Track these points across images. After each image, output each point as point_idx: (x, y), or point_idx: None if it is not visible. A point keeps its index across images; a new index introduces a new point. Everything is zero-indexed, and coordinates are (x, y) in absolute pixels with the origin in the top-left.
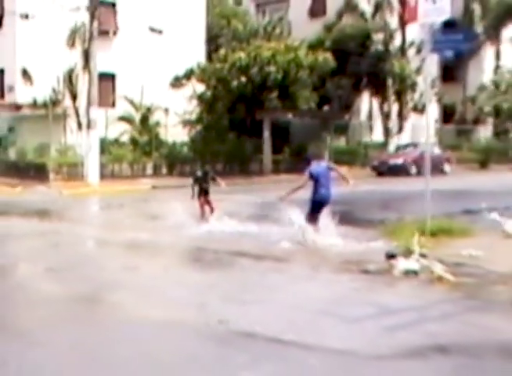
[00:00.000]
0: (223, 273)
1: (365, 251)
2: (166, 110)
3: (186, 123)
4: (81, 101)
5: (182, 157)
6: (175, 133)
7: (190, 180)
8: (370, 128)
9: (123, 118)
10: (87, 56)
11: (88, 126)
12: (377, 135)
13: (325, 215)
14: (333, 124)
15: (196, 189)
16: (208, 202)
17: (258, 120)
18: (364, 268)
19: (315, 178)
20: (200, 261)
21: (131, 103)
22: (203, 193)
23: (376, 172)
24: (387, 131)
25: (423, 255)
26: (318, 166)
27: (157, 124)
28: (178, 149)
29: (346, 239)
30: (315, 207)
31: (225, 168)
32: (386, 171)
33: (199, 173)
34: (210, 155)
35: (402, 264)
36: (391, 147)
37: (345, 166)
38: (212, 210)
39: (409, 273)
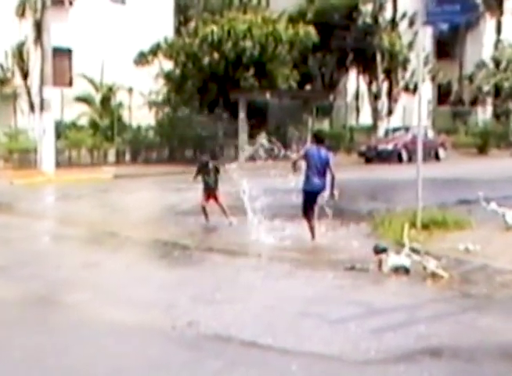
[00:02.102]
0: (193, 270)
1: (350, 245)
2: (130, 90)
3: (152, 104)
4: (34, 79)
5: (148, 143)
6: (140, 116)
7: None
8: (357, 110)
9: (81, 99)
10: (39, 28)
11: (42, 107)
12: (365, 118)
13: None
14: (315, 105)
15: (202, 181)
16: (215, 198)
17: (233, 101)
18: (349, 264)
19: (307, 162)
20: (167, 257)
21: (91, 81)
22: (206, 187)
23: (363, 159)
24: (375, 114)
25: (414, 250)
26: (316, 150)
27: (120, 105)
28: (144, 133)
29: (330, 232)
30: (307, 199)
31: (196, 154)
32: (374, 157)
33: (200, 163)
34: (179, 140)
35: (391, 259)
36: (380, 131)
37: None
38: (223, 210)
39: (399, 270)
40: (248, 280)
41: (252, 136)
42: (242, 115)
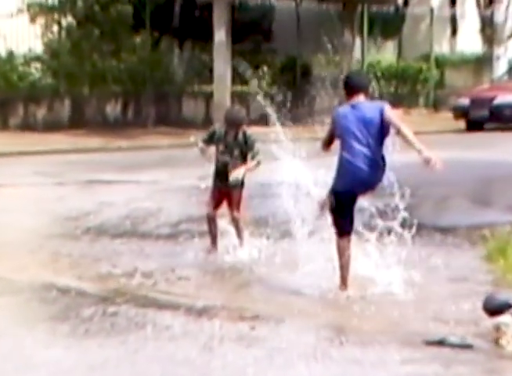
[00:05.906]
0: (121, 347)
1: (437, 295)
2: None
3: (38, 11)
4: None
5: (29, 88)
6: (14, 34)
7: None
8: (452, 25)
9: None
10: None
11: None
12: (467, 41)
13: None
14: (366, 13)
15: (212, 166)
16: (230, 200)
17: (201, 3)
18: (437, 336)
19: (337, 135)
20: (68, 319)
21: None
22: (221, 177)
23: (464, 121)
24: (489, 32)
25: None
26: (351, 110)
27: None
28: (22, 69)
29: (397, 268)
30: (339, 203)
31: (126, 111)
32: (486, 118)
33: (229, 115)
34: (93, 83)
35: None
36: (500, 67)
37: (396, 107)
38: (234, 219)
39: None
40: (232, 367)
41: (243, 80)
42: (220, 35)
